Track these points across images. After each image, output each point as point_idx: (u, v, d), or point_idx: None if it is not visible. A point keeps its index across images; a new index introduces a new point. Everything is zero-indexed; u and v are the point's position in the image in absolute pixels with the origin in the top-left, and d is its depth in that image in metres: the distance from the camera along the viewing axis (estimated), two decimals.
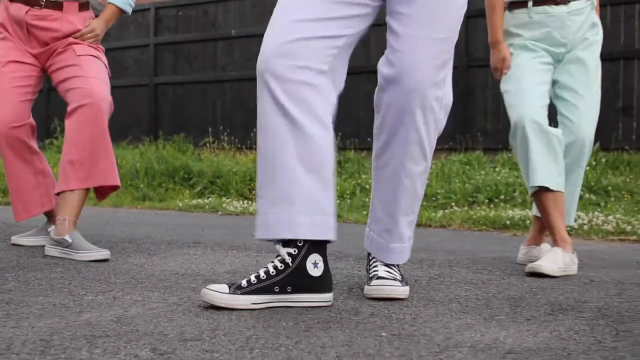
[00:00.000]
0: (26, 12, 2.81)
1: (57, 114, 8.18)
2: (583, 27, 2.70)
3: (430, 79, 1.91)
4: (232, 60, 8.79)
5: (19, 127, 2.84)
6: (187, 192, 6.91)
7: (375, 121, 2.05)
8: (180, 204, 6.04)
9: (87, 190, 2.82)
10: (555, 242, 2.61)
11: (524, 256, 2.82)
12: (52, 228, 2.88)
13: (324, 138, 1.84)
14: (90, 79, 2.76)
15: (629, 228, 4.36)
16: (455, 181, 6.25)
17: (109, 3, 2.93)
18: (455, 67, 2.02)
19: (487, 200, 5.57)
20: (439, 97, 1.95)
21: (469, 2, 2.01)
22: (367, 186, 6.10)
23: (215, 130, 8.57)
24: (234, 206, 5.77)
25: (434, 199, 5.87)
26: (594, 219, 4.61)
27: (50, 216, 3.02)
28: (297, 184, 1.81)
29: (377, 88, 2.01)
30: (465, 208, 5.32)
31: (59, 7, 2.82)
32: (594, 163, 6.24)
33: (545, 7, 2.68)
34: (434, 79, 1.92)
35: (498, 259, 3.02)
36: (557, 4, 2.68)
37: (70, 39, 2.84)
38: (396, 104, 1.94)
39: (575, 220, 4.50)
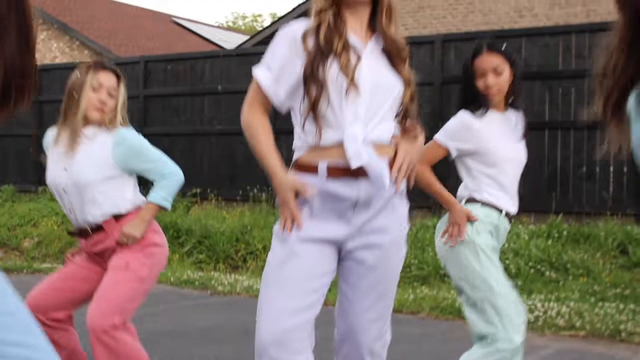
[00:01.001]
0: (84, 243, 3.09)
1: None
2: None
3: (377, 335, 2.31)
4: (219, 114, 9.20)
5: None
6: (177, 254, 7.35)
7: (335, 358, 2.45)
8: (172, 278, 6.47)
9: None
10: None
11: None
12: None
13: None
14: (96, 300, 2.91)
15: (579, 323, 4.83)
16: (429, 250, 6.69)
17: (148, 202, 3.07)
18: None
19: None
20: (385, 341, 2.35)
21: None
22: None
23: (202, 183, 8.99)
24: (222, 284, 6.22)
25: (407, 269, 6.31)
26: (549, 310, 5.07)
27: None
28: None
29: (335, 333, 2.40)
30: (435, 291, 5.77)
31: (101, 227, 3.05)
32: (556, 235, 6.70)
33: (507, 222, 3.00)
34: (380, 332, 2.32)
35: None
36: (510, 221, 3.02)
37: (115, 246, 3.03)
38: (350, 354, 2.35)
39: (532, 312, 4.97)
